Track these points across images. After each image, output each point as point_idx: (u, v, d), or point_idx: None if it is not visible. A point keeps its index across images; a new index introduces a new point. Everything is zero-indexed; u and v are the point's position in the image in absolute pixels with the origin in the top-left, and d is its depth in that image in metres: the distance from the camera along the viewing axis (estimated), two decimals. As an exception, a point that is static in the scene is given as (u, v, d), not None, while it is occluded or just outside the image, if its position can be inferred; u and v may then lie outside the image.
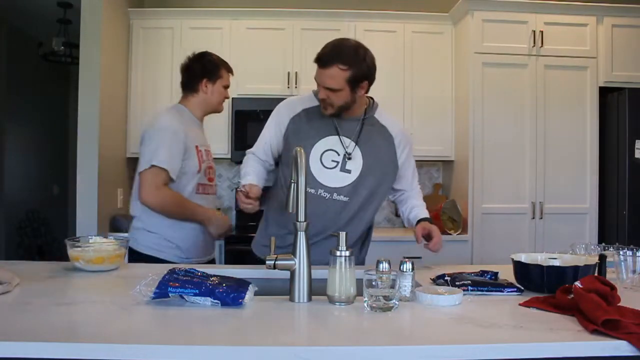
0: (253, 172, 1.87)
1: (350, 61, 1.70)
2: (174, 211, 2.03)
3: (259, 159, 1.93)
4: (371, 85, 1.81)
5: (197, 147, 2.10)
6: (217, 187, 3.18)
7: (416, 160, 3.99)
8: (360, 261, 1.98)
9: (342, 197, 1.82)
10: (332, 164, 1.82)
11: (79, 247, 1.67)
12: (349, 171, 1.83)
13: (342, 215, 1.84)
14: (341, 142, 1.83)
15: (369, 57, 1.77)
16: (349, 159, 1.82)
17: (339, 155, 1.83)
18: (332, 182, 1.82)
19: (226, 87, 2.23)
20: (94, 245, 1.69)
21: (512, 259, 1.52)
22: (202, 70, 2.19)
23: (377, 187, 1.88)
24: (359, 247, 1.97)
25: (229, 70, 2.25)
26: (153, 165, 1.96)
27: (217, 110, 2.26)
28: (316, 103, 1.85)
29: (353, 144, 1.83)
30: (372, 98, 1.93)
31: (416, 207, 1.97)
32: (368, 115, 1.88)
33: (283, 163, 1.92)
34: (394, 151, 1.90)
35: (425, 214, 1.94)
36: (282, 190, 1.87)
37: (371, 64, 1.77)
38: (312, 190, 1.79)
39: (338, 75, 1.70)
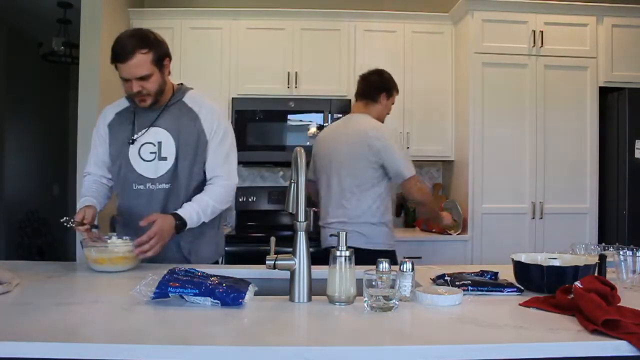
0: (89, 192, 1.91)
1: (147, 43, 1.76)
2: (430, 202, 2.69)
3: (96, 176, 1.96)
4: (171, 62, 1.86)
5: None
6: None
7: (416, 160, 3.99)
8: (216, 259, 2.00)
9: (163, 185, 1.86)
10: (151, 155, 1.86)
11: (96, 247, 1.66)
12: (165, 158, 1.86)
13: (169, 204, 1.85)
14: (133, 130, 1.86)
15: (158, 35, 1.83)
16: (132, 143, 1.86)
17: (154, 145, 1.86)
18: (153, 173, 1.86)
19: (393, 104, 2.67)
20: (111, 246, 1.68)
21: (512, 259, 1.52)
22: (382, 84, 2.59)
23: (193, 167, 1.87)
24: (214, 241, 1.98)
25: (398, 92, 2.68)
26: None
27: (382, 121, 2.59)
28: (127, 104, 1.91)
29: (145, 129, 1.86)
30: (181, 84, 1.98)
31: (188, 202, 1.84)
32: (174, 100, 1.90)
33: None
34: (202, 130, 1.88)
35: (182, 210, 1.79)
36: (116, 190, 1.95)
37: (163, 41, 1.83)
38: (141, 187, 1.86)
39: (143, 60, 1.74)
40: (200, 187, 1.91)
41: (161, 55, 1.79)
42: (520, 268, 1.48)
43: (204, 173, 1.91)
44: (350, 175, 2.45)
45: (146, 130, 1.86)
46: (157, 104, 1.86)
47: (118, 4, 3.40)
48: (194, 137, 1.87)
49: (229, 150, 1.94)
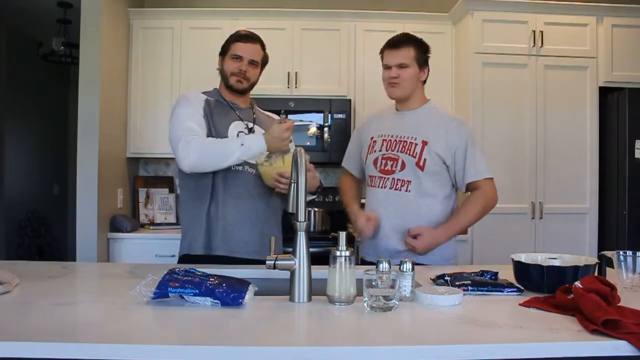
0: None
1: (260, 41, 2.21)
2: None
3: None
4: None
5: None
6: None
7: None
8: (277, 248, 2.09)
9: (253, 170, 2.01)
10: None
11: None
12: None
13: (258, 187, 2.01)
14: (245, 124, 2.08)
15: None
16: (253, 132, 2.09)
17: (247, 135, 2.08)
18: None
19: None
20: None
21: (512, 259, 1.52)
22: None
23: None
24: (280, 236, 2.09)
25: None
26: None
27: None
28: (206, 97, 2.08)
29: (251, 123, 2.10)
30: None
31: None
32: (254, 107, 2.22)
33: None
34: None
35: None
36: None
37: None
38: (240, 167, 1.99)
39: (258, 50, 2.17)
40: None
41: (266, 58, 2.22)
42: (520, 268, 1.48)
43: None
44: None
45: (240, 122, 2.06)
46: (245, 94, 2.13)
47: (118, 4, 3.40)
48: None
49: None
